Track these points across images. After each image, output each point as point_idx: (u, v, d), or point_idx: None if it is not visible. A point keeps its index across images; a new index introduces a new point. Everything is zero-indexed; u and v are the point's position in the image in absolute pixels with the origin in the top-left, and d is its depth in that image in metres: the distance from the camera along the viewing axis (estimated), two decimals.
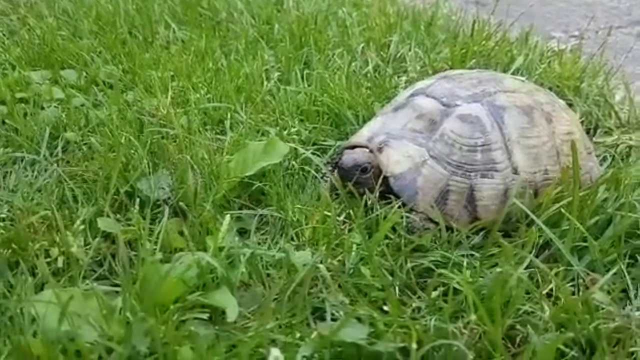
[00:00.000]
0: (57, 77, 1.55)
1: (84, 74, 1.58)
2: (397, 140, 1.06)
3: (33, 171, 1.13)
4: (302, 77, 1.55)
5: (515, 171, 1.01)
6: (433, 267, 0.88)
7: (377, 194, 1.00)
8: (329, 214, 0.98)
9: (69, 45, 1.72)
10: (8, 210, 1.01)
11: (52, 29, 1.84)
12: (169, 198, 1.04)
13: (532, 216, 0.90)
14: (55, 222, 0.94)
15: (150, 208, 1.01)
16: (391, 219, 0.91)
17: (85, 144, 1.22)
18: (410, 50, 1.71)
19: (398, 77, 1.58)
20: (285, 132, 1.25)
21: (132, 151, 1.12)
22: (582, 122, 1.36)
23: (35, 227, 0.95)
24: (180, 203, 1.01)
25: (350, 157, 1.05)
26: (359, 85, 1.52)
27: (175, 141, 1.17)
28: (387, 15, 1.95)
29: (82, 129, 1.28)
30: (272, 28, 1.91)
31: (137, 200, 1.01)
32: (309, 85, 1.50)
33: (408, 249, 0.91)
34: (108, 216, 0.98)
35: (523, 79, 1.20)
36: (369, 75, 1.60)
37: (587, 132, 1.36)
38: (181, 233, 0.97)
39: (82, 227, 0.94)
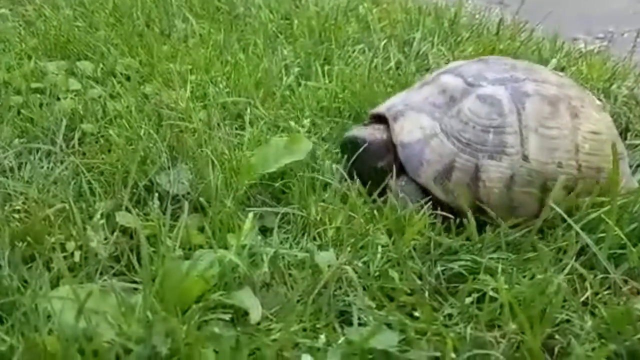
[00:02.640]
0: (73, 68, 1.52)
1: (101, 65, 1.55)
2: (414, 111, 1.07)
3: (49, 162, 1.10)
4: (323, 73, 1.52)
5: (526, 158, 0.99)
6: (464, 272, 0.84)
7: (387, 164, 1.04)
8: (354, 214, 0.95)
9: (86, 37, 1.70)
10: (23, 202, 0.98)
11: (68, 20, 1.81)
12: (189, 193, 1.00)
13: (570, 222, 0.86)
14: (72, 215, 0.91)
15: (170, 203, 0.97)
16: (419, 222, 0.87)
17: (102, 136, 1.19)
18: (433, 47, 1.67)
19: (421, 74, 1.54)
20: (304, 129, 1.22)
21: (151, 144, 1.09)
22: None
23: (51, 220, 0.92)
24: (200, 199, 0.98)
25: (350, 133, 1.09)
26: (381, 81, 1.49)
27: (194, 135, 1.14)
28: (409, 11, 1.91)
29: (99, 120, 1.25)
30: (290, 23, 1.88)
31: (156, 194, 0.98)
32: (329, 81, 1.47)
33: (437, 252, 0.87)
34: (127, 210, 0.95)
35: (562, 74, 1.16)
36: (391, 72, 1.56)
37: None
38: (201, 229, 0.94)
39: (100, 221, 0.91)
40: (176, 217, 0.96)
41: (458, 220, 0.94)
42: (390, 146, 1.07)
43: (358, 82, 1.45)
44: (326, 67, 1.54)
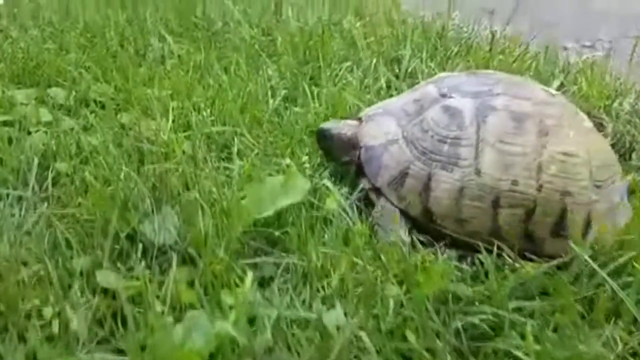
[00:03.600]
0: (44, 96, 1.42)
1: (73, 92, 1.45)
2: (385, 117, 1.11)
3: (20, 209, 1.00)
4: (312, 95, 1.44)
5: (478, 172, 0.97)
6: (486, 327, 0.77)
7: (350, 160, 1.11)
8: (359, 261, 0.87)
9: (56, 60, 1.59)
10: None
11: (37, 42, 1.71)
12: (176, 243, 0.91)
13: (602, 273, 0.80)
14: (48, 276, 0.82)
15: (155, 255, 0.89)
16: (439, 270, 0.80)
17: (77, 176, 1.09)
18: (422, 63, 1.61)
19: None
20: (299, 161, 1.14)
21: (132, 186, 0.99)
22: (613, 144, 1.27)
23: (25, 282, 0.82)
24: (189, 249, 0.89)
25: (325, 124, 1.17)
26: (372, 103, 1.42)
27: (178, 171, 1.05)
28: (394, 25, 1.85)
29: (74, 158, 1.15)
30: (273, 40, 1.80)
31: (140, 245, 0.89)
32: (319, 104, 1.39)
33: (457, 306, 0.79)
34: (109, 267, 0.86)
35: (555, 92, 1.10)
36: (382, 92, 1.49)
37: (621, 154, 1.27)
38: (191, 283, 0.86)
39: (78, 282, 0.82)
40: (163, 270, 0.88)
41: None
42: (355, 145, 1.11)
43: (349, 104, 1.37)
44: (314, 88, 1.46)
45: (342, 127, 1.15)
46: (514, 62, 1.53)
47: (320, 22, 1.83)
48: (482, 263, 0.90)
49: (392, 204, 1.03)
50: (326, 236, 0.95)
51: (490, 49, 1.58)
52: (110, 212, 0.92)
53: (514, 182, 0.97)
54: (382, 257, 0.88)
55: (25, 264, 0.86)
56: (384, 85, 1.50)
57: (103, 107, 1.39)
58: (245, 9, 2.08)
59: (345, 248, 0.91)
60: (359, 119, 1.18)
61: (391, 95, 1.45)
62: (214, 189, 0.97)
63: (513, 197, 0.97)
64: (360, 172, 1.10)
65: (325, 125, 1.17)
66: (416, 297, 0.79)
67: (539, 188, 0.97)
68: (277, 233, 0.94)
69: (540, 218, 0.98)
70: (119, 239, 0.90)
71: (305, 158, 1.07)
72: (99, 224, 0.92)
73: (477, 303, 0.80)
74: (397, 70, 1.60)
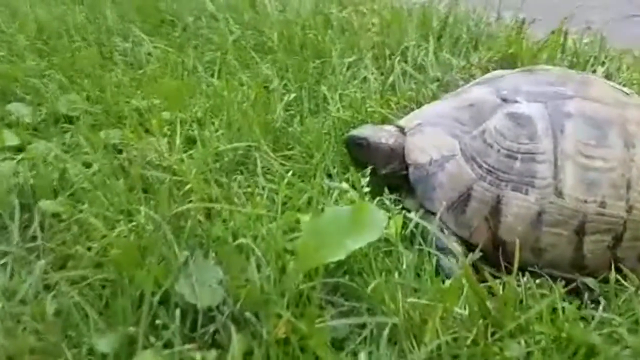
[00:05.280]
0: (3, 114, 1.18)
1: (39, 107, 1.21)
2: (432, 127, 0.95)
3: (6, 270, 0.77)
4: (324, 99, 1.25)
5: (560, 194, 0.82)
6: None
7: (390, 172, 0.96)
8: (460, 311, 0.70)
9: (10, 69, 1.34)
10: None
11: None
12: (224, 303, 0.71)
13: None
14: None
15: (201, 322, 0.69)
16: (568, 318, 0.63)
17: (71, 218, 0.87)
18: (428, 54, 1.44)
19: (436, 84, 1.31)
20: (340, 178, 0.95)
21: (152, 231, 0.78)
22: None
23: None
24: (244, 310, 0.69)
25: (357, 130, 1.01)
26: (389, 100, 1.25)
27: (206, 209, 0.84)
28: (395, 14, 1.67)
29: (60, 193, 0.92)
30: (261, 35, 1.59)
31: (177, 311, 0.69)
32: (336, 108, 1.20)
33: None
34: (144, 347, 0.65)
35: (629, 91, 0.95)
36: (396, 86, 1.32)
37: None
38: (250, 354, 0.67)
39: None
40: (214, 341, 0.68)
41: None
42: (398, 155, 0.96)
43: (369, 104, 1.20)
44: (323, 88, 1.27)
45: (381, 134, 0.99)
46: (538, 52, 1.38)
47: (314, 13, 1.63)
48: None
49: (451, 231, 0.87)
50: (404, 275, 0.77)
51: (521, 35, 1.41)
52: (131, 268, 0.71)
53: (602, 204, 0.83)
54: (489, 305, 0.70)
55: (31, 351, 0.64)
56: (401, 79, 1.32)
57: (71, 122, 1.17)
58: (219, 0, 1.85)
59: (436, 293, 0.73)
60: (399, 127, 1.01)
61: (411, 89, 1.28)
62: (263, 229, 0.77)
63: (600, 220, 0.83)
64: (407, 190, 0.94)
65: (360, 132, 1.00)
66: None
67: (629, 209, 0.83)
68: (345, 280, 0.75)
69: (630, 243, 0.84)
70: (151, 304, 0.69)
71: (364, 181, 0.88)
72: (118, 285, 0.71)
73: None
74: (405, 63, 1.42)
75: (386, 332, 0.69)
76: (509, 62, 1.33)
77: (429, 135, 0.94)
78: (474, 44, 1.51)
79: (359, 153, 0.99)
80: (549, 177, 0.83)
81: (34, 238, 0.83)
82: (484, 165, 0.87)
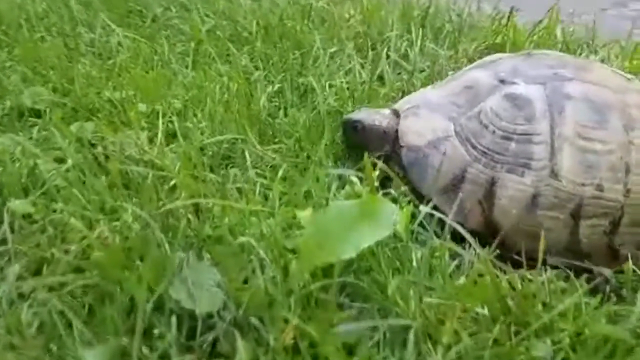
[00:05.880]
0: None
1: (1, 100, 1.11)
2: (428, 110, 0.92)
3: None
4: (308, 88, 1.19)
5: (556, 175, 0.80)
6: None
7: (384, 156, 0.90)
8: (484, 311, 0.65)
9: None
10: None
11: None
12: (224, 307, 0.65)
13: None
14: None
15: (200, 330, 0.62)
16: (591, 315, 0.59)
17: (44, 217, 0.79)
18: (412, 45, 1.39)
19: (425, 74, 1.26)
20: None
21: (139, 230, 0.71)
22: None
23: None
24: (248, 316, 0.63)
25: (353, 115, 0.97)
26: (377, 91, 1.20)
27: (197, 214, 0.77)
28: (379, 5, 1.62)
29: (31, 192, 0.84)
30: (235, 23, 1.51)
31: (174, 318, 0.62)
32: (323, 99, 1.14)
33: None
34: (139, 359, 0.58)
35: (631, 76, 0.92)
36: (385, 77, 1.27)
37: None
38: None
39: None
40: (213, 351, 0.62)
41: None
42: (391, 138, 0.93)
43: (358, 95, 1.14)
44: (310, 80, 1.21)
45: (375, 117, 0.96)
46: (527, 40, 1.35)
47: (292, 2, 1.56)
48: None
49: (444, 215, 0.81)
50: (415, 272, 0.71)
51: (508, 23, 1.38)
52: (117, 272, 0.64)
53: (599, 187, 0.80)
54: (510, 303, 0.66)
55: None
56: (389, 70, 1.27)
57: (39, 115, 1.08)
58: None
59: (453, 291, 0.68)
60: (394, 111, 0.97)
61: (401, 79, 1.23)
62: (263, 226, 0.70)
63: (597, 204, 0.80)
64: (402, 173, 0.90)
65: (355, 115, 0.97)
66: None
67: (627, 193, 0.81)
68: (352, 279, 0.69)
69: (628, 229, 0.82)
70: (144, 311, 0.62)
71: (375, 173, 0.81)
72: (104, 291, 0.64)
73: None
74: (390, 54, 1.37)
75: (401, 334, 0.64)
76: (497, 51, 1.28)
77: (424, 117, 0.92)
78: (456, 34, 1.47)
79: (355, 136, 0.96)
80: (545, 158, 0.81)
81: (3, 241, 0.75)
82: (479, 147, 0.84)
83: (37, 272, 0.71)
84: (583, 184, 0.80)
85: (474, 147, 0.85)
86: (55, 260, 0.71)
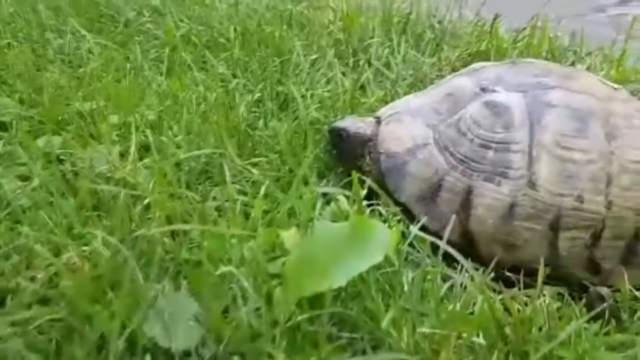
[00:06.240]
0: None
1: None
2: (409, 116, 0.90)
3: None
4: (289, 98, 1.15)
5: (533, 185, 0.78)
6: None
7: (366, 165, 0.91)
8: (480, 340, 0.61)
9: None
10: None
11: None
12: (203, 343, 0.60)
13: None
14: None
15: None
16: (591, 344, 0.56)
17: (7, 243, 0.73)
18: (393, 52, 1.36)
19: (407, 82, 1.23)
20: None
21: (110, 258, 0.66)
22: None
23: None
24: (229, 352, 0.58)
25: (339, 122, 0.96)
26: (359, 100, 1.16)
27: (173, 236, 0.72)
28: (358, 12, 1.58)
29: None
30: (211, 29, 1.46)
31: (148, 357, 0.57)
32: (305, 109, 1.09)
33: None
34: None
35: (617, 86, 0.90)
36: (368, 86, 1.23)
37: None
38: None
39: None
40: None
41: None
42: (375, 145, 0.91)
43: (340, 104, 1.11)
44: (291, 89, 1.16)
45: (359, 125, 0.95)
46: (509, 48, 1.33)
47: (270, 8, 1.52)
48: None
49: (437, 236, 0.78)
50: (408, 296, 0.67)
51: (492, 31, 1.35)
52: (86, 304, 0.59)
53: (579, 198, 0.77)
54: (508, 330, 0.62)
55: None
56: (372, 78, 1.24)
57: (6, 129, 1.01)
58: None
59: (446, 317, 0.64)
60: (377, 118, 0.95)
61: (387, 88, 1.20)
62: (244, 249, 0.66)
63: (577, 216, 0.78)
64: (380, 183, 0.85)
65: (340, 123, 0.96)
66: None
67: (608, 205, 0.78)
68: (340, 309, 0.65)
69: (610, 242, 0.79)
70: (116, 350, 0.57)
71: (363, 192, 0.77)
72: (72, 326, 0.59)
73: None
74: (371, 62, 1.34)
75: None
76: (481, 59, 1.26)
77: (404, 124, 0.90)
78: (438, 41, 1.44)
79: (340, 145, 0.95)
80: (523, 167, 0.79)
81: None
82: (457, 155, 0.83)
83: (1, 303, 0.65)
84: (562, 195, 0.78)
85: (452, 155, 0.83)
86: (21, 290, 0.65)
